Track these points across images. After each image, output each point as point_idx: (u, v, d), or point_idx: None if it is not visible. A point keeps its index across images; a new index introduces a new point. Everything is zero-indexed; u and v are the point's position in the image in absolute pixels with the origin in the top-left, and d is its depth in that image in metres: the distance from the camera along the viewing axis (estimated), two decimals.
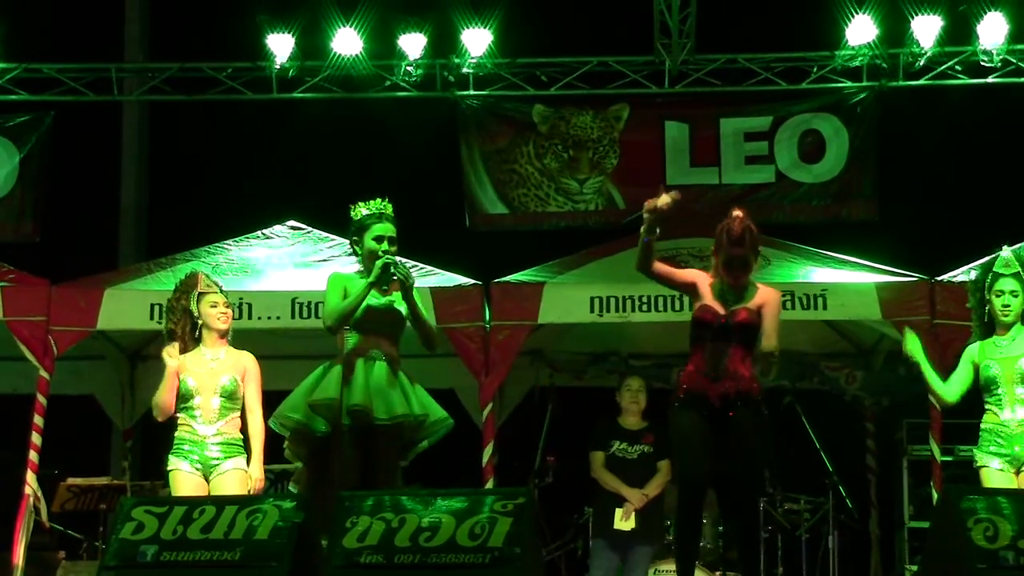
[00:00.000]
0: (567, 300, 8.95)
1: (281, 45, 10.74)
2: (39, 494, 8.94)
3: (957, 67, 10.72)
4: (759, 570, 8.11)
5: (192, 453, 6.66)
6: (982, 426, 6.41)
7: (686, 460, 6.14)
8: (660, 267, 6.19)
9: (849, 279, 9.10)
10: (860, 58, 10.79)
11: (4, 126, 11.29)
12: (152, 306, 8.82)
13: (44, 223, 11.38)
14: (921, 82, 10.84)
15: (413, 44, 10.72)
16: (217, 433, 6.69)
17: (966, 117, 11.14)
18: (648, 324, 9.13)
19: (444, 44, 10.83)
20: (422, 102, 11.19)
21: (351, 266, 6.78)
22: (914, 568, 9.25)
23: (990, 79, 10.72)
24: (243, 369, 6.79)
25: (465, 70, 10.96)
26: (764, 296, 6.17)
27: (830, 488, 9.16)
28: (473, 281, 9.10)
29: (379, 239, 6.36)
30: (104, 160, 13.13)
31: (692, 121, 11.30)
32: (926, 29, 10.41)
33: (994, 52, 10.52)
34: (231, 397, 6.73)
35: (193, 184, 13.10)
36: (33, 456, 8.87)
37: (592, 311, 8.87)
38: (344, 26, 10.64)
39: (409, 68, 10.87)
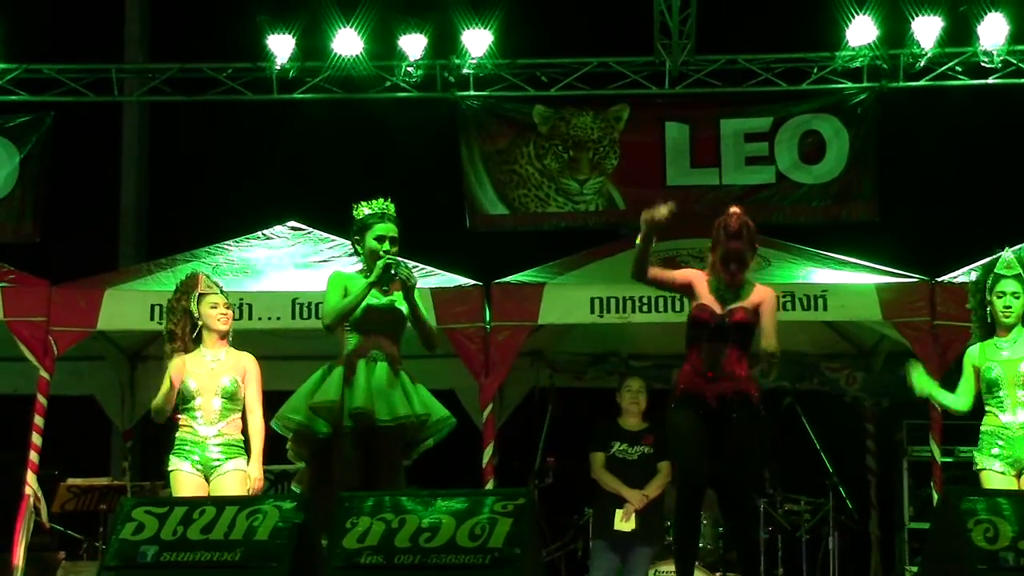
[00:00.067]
0: (567, 301, 8.95)
1: (281, 46, 10.74)
2: (39, 494, 8.94)
3: (957, 68, 10.72)
4: (759, 571, 8.15)
5: (193, 454, 6.67)
6: (982, 428, 6.40)
7: (684, 460, 6.14)
8: (655, 273, 6.19)
9: (849, 280, 9.10)
10: (860, 59, 10.78)
11: (4, 127, 11.29)
12: (152, 307, 8.82)
13: (44, 224, 11.38)
14: (921, 83, 10.83)
15: (413, 45, 10.72)
16: (218, 434, 6.70)
17: (966, 118, 11.14)
18: (648, 325, 9.14)
19: (444, 45, 10.83)
20: (422, 103, 11.19)
21: (352, 266, 6.78)
22: (914, 569, 9.25)
23: (990, 80, 10.71)
24: (243, 370, 6.79)
25: (465, 71, 10.96)
26: (761, 295, 6.16)
27: (830, 489, 9.17)
28: (473, 282, 9.10)
29: (381, 239, 6.36)
30: (104, 161, 13.14)
31: (692, 122, 11.29)
32: (926, 30, 10.40)
33: (994, 53, 10.51)
34: (232, 398, 6.73)
35: (193, 185, 13.10)
36: (33, 456, 8.87)
37: (592, 312, 8.88)
38: (344, 27, 10.64)
39: (409, 69, 10.87)
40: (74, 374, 10.10)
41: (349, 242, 6.70)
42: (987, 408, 6.38)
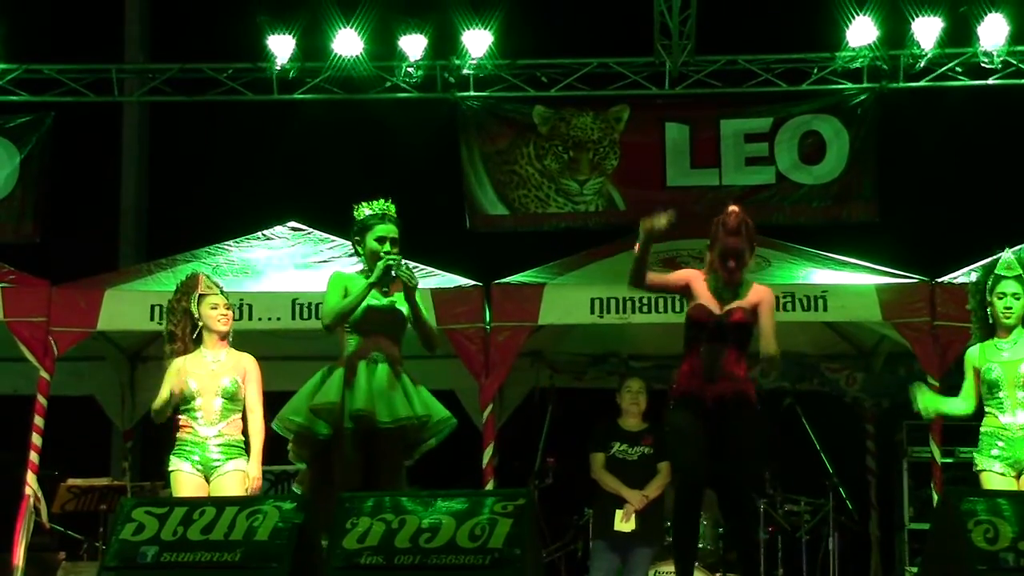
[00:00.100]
0: (567, 301, 8.95)
1: (282, 46, 10.74)
2: (39, 495, 8.94)
3: (957, 68, 10.71)
4: (759, 571, 8.16)
5: (193, 454, 6.67)
6: (982, 429, 6.39)
7: (682, 461, 6.14)
8: (653, 278, 6.18)
9: (849, 281, 9.10)
10: (860, 59, 10.78)
11: (4, 127, 11.28)
12: (152, 307, 8.83)
13: (44, 224, 11.37)
14: (921, 83, 10.83)
15: (413, 45, 10.71)
16: (219, 434, 6.70)
17: (966, 119, 11.14)
18: (648, 325, 9.14)
19: (444, 45, 10.83)
20: (422, 103, 11.18)
21: (352, 267, 6.78)
22: (914, 570, 9.25)
23: (990, 81, 10.71)
24: (244, 371, 6.80)
25: (465, 71, 10.96)
26: (759, 294, 6.15)
27: (830, 489, 9.17)
28: (473, 282, 9.11)
29: (381, 240, 6.36)
30: (104, 161, 13.14)
31: (692, 122, 11.29)
32: (926, 30, 10.40)
33: (995, 53, 10.51)
34: (232, 399, 6.73)
35: (193, 185, 13.10)
36: (33, 457, 8.87)
37: (592, 312, 8.88)
38: (345, 27, 10.64)
39: (410, 69, 10.86)
40: (74, 374, 10.10)
41: (349, 242, 6.70)
42: (987, 409, 6.37)
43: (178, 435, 6.73)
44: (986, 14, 10.35)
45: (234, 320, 6.96)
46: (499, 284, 9.06)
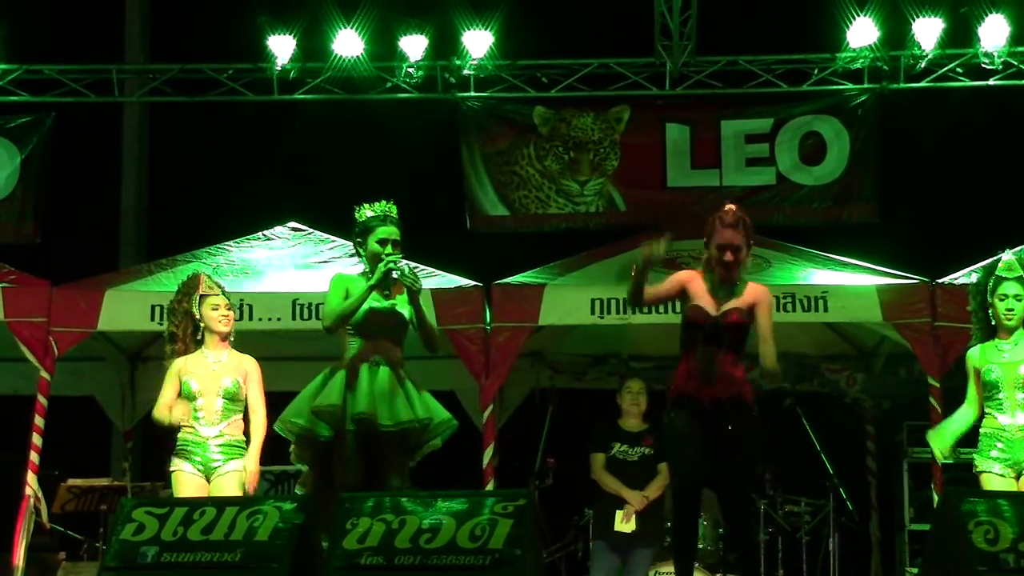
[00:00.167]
0: (568, 302, 8.95)
1: (282, 46, 10.74)
2: (39, 495, 8.94)
3: (958, 69, 10.71)
4: (759, 572, 8.15)
5: (194, 454, 6.68)
6: (981, 430, 6.39)
7: (680, 462, 6.14)
8: (650, 294, 6.16)
9: (850, 281, 9.10)
10: (861, 60, 10.78)
11: (5, 127, 11.28)
12: (153, 307, 8.83)
13: (45, 224, 11.37)
14: (922, 84, 10.83)
15: (414, 46, 10.71)
16: (219, 435, 6.71)
17: (967, 119, 11.14)
18: (649, 326, 9.13)
19: (445, 46, 10.82)
20: (423, 104, 11.18)
21: (352, 267, 6.77)
22: (914, 571, 9.24)
23: (991, 81, 10.71)
24: (245, 372, 6.80)
25: (466, 72, 10.95)
26: (756, 294, 6.13)
27: (830, 490, 9.17)
28: (474, 283, 9.11)
29: (383, 242, 6.34)
30: (105, 161, 13.14)
31: (693, 123, 11.28)
32: (927, 31, 10.40)
33: (995, 54, 10.51)
34: (233, 399, 6.74)
35: (194, 185, 13.11)
36: (34, 457, 8.87)
37: (593, 313, 8.88)
38: (345, 27, 10.64)
39: (410, 70, 10.86)
40: (74, 375, 10.10)
41: (349, 243, 6.69)
42: (986, 410, 6.36)
43: (179, 435, 6.73)
44: (987, 15, 10.35)
45: (235, 320, 6.96)
46: (499, 285, 9.06)
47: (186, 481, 6.64)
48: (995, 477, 6.26)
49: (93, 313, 8.99)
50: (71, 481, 9.54)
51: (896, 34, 10.59)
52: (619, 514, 7.94)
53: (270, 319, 8.88)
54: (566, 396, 10.05)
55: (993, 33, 10.40)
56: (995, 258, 6.57)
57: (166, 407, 6.72)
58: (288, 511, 5.23)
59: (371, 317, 6.27)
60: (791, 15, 11.36)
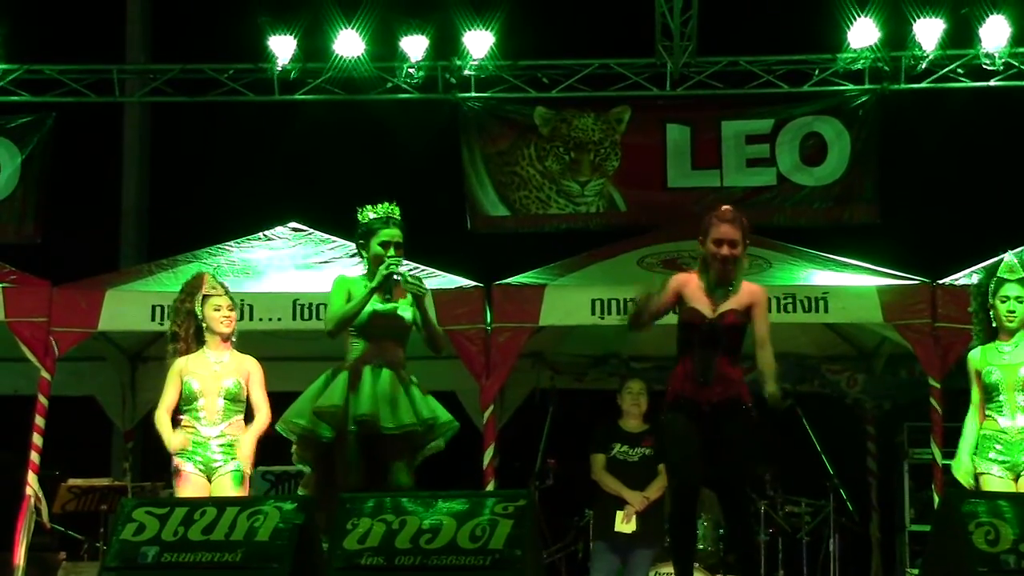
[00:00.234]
0: (568, 302, 8.95)
1: (283, 47, 10.74)
2: (40, 495, 8.94)
3: (959, 70, 10.71)
4: (759, 573, 8.15)
5: (196, 454, 6.68)
6: (981, 432, 6.38)
7: (677, 464, 6.13)
8: (651, 317, 6.16)
9: (850, 282, 9.10)
10: (862, 61, 10.78)
11: (6, 127, 11.29)
12: (153, 307, 8.83)
13: (45, 224, 11.38)
14: (923, 85, 10.83)
15: (415, 46, 10.72)
16: (221, 435, 6.71)
17: (968, 120, 11.14)
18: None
19: (446, 46, 10.83)
20: (423, 104, 11.18)
21: (353, 268, 6.77)
22: (915, 572, 9.24)
23: (992, 82, 10.71)
24: (246, 373, 6.81)
25: (467, 72, 10.96)
26: (752, 295, 6.12)
27: (831, 491, 9.17)
28: (474, 283, 9.10)
29: (385, 244, 6.32)
30: (105, 161, 13.14)
31: (693, 123, 11.29)
32: (928, 32, 10.40)
33: (996, 55, 10.51)
34: (235, 399, 6.75)
35: (194, 185, 13.11)
36: (34, 457, 8.87)
37: (593, 313, 8.87)
38: (346, 28, 10.64)
39: (411, 70, 10.87)
40: (75, 375, 10.10)
41: (350, 243, 6.69)
42: (987, 412, 6.36)
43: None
44: (988, 16, 10.35)
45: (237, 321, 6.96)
46: (500, 285, 9.05)
47: (187, 481, 6.64)
48: (995, 479, 6.26)
49: (94, 313, 8.99)
50: (71, 481, 9.53)
51: (897, 35, 10.59)
52: (619, 515, 7.94)
53: (271, 319, 8.88)
54: (566, 397, 10.05)
55: (994, 34, 10.40)
56: (996, 259, 6.57)
57: (168, 412, 6.73)
58: (289, 511, 5.23)
59: (374, 320, 6.27)
60: (792, 16, 11.36)
